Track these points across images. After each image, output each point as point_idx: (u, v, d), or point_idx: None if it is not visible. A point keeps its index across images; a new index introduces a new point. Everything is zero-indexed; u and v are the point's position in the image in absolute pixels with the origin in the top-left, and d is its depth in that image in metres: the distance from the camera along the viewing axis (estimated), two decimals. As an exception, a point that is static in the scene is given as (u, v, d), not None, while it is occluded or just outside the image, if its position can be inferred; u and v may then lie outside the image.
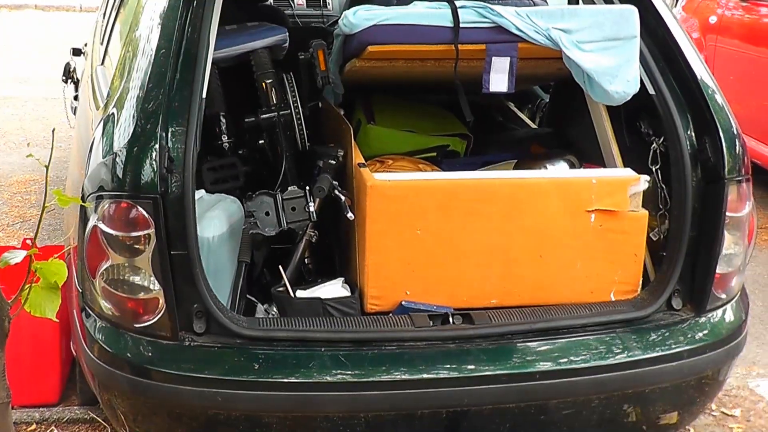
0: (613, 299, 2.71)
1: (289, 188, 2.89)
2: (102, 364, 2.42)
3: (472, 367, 2.43)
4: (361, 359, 2.42)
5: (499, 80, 2.83)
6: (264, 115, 3.14)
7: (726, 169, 2.58)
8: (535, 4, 3.18)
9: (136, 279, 2.36)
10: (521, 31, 2.75)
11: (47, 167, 2.15)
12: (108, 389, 2.48)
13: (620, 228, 2.68)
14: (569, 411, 2.51)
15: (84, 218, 2.42)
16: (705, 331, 2.64)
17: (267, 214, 2.81)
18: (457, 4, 2.81)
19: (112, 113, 2.47)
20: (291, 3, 5.00)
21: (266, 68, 3.18)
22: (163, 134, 2.34)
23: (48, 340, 3.11)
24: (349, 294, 2.67)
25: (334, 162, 2.88)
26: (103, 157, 2.41)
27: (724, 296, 2.70)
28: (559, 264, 2.68)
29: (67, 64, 5.08)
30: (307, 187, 2.83)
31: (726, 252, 2.64)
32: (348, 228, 2.77)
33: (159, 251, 2.32)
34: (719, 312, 2.70)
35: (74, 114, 4.43)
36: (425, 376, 2.40)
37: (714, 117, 2.61)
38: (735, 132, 2.64)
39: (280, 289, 2.69)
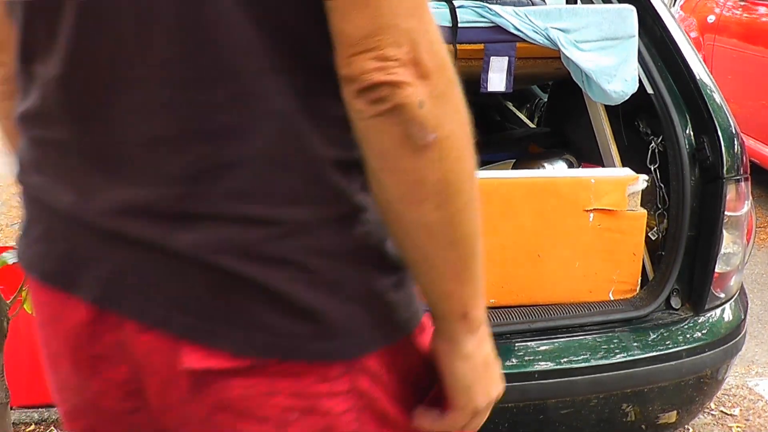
0: (612, 298, 2.71)
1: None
2: (100, 365, 2.41)
3: (471, 366, 2.43)
4: (360, 359, 2.41)
5: (497, 80, 2.82)
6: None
7: (724, 168, 2.58)
8: (533, 4, 3.17)
9: (135, 279, 2.35)
10: (519, 30, 2.74)
11: (45, 167, 2.15)
12: (107, 389, 2.47)
13: (619, 227, 2.68)
14: (568, 410, 2.50)
15: (82, 218, 2.41)
16: (704, 331, 2.64)
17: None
18: (456, 3, 2.80)
19: (111, 113, 2.46)
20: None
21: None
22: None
23: (47, 341, 3.10)
24: (347, 294, 2.67)
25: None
26: (102, 158, 2.40)
27: (722, 295, 2.70)
28: (557, 263, 2.68)
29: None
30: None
31: (725, 251, 2.63)
32: (346, 228, 2.77)
33: (157, 251, 2.31)
34: (718, 311, 2.69)
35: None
36: (424, 375, 2.40)
37: (712, 116, 2.61)
38: (733, 131, 2.64)
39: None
